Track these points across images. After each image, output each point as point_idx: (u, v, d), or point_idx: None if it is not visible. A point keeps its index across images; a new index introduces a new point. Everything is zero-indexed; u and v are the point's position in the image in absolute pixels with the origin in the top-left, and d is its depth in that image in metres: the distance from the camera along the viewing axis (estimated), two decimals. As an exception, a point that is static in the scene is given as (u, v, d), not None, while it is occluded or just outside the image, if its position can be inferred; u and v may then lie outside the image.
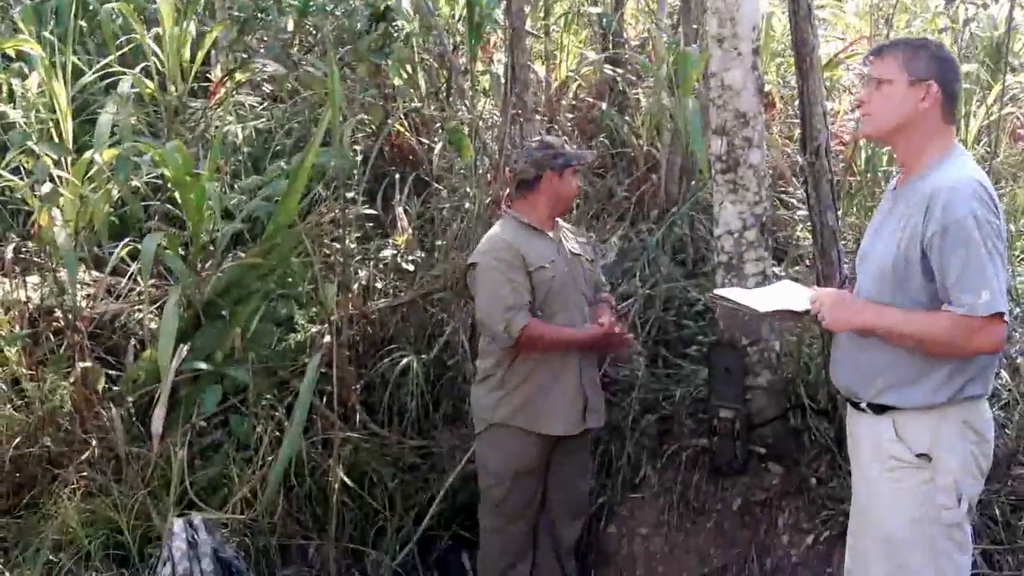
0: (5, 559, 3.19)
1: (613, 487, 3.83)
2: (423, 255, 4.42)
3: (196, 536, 3.10)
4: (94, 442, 3.49)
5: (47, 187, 3.67)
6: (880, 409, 2.44)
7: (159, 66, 4.59)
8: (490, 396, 3.43)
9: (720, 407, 3.65)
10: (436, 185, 4.79)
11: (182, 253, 3.95)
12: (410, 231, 4.47)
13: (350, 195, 4.35)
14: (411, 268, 4.33)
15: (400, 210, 4.48)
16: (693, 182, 4.82)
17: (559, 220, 3.59)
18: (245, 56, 4.59)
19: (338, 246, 4.14)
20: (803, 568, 3.46)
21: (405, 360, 3.93)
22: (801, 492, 3.58)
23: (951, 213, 2.28)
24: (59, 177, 3.78)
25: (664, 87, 4.88)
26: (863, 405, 2.48)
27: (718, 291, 2.59)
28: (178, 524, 3.10)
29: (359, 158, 4.58)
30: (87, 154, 3.86)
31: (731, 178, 3.62)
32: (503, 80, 4.48)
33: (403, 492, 3.82)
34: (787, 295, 2.60)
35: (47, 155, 3.73)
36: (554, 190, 3.46)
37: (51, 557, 3.16)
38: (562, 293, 3.40)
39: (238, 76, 4.58)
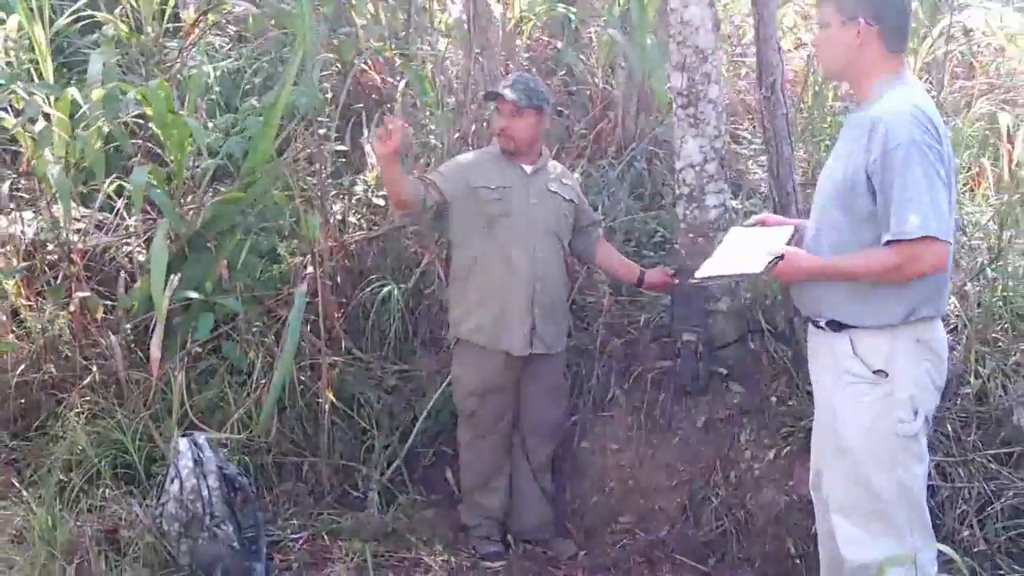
0: (19, 478, 3.44)
1: (585, 406, 4.11)
2: None
3: (201, 454, 3.35)
4: (94, 368, 3.71)
5: (40, 125, 3.82)
6: (837, 326, 2.59)
7: (133, 9, 4.73)
8: (455, 310, 3.81)
9: (683, 331, 3.91)
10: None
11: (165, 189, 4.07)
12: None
13: (322, 131, 4.49)
14: (382, 203, 4.49)
15: (368, 147, 4.63)
16: (651, 118, 5.02)
17: (548, 158, 3.91)
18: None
19: (314, 181, 4.26)
20: (765, 481, 3.73)
21: (385, 289, 4.14)
22: (762, 410, 3.86)
23: (892, 139, 2.43)
24: (47, 115, 3.88)
25: (617, 25, 5.04)
26: (822, 323, 2.63)
27: (698, 275, 2.71)
28: (183, 443, 3.34)
29: (328, 95, 4.68)
30: (68, 91, 4.03)
31: (691, 112, 3.84)
32: (464, 18, 4.62)
33: (388, 412, 4.10)
34: (748, 248, 2.72)
35: (36, 94, 3.80)
36: (502, 126, 3.79)
37: (62, 477, 3.40)
38: (509, 219, 3.69)
39: (210, 17, 4.67)
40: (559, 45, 5.54)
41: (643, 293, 4.26)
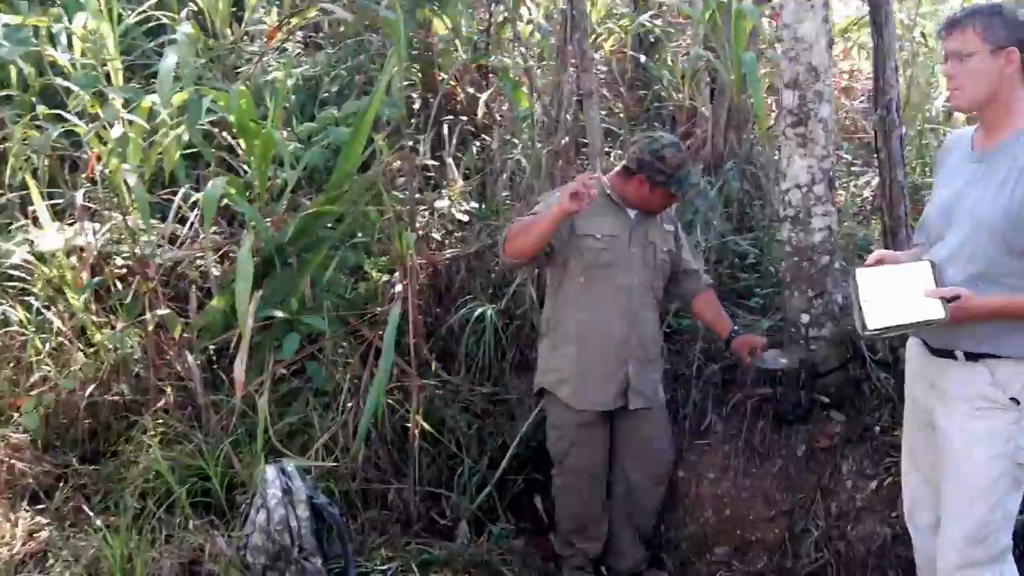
0: (89, 504, 3.02)
1: (680, 433, 3.71)
2: (477, 206, 4.24)
3: (290, 483, 2.93)
4: (169, 390, 3.26)
5: (117, 131, 3.39)
6: (975, 357, 2.46)
7: (201, 11, 4.33)
8: (543, 359, 3.42)
9: (783, 358, 3.56)
10: (484, 136, 4.59)
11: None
12: (461, 182, 4.28)
13: (410, 143, 4.12)
14: (465, 218, 4.12)
15: (451, 160, 4.26)
16: (743, 135, 4.68)
17: None
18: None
19: (401, 196, 3.94)
20: (867, 512, 3.44)
21: (477, 311, 3.76)
22: (864, 440, 3.55)
23: None
24: (125, 121, 3.55)
25: (700, 40, 4.69)
26: (957, 354, 2.48)
27: (872, 326, 2.52)
28: (271, 471, 2.92)
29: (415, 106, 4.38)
30: (148, 98, 3.58)
31: (801, 132, 3.51)
32: (560, 28, 4.29)
33: (477, 438, 3.69)
34: (899, 290, 2.54)
35: (114, 98, 3.48)
36: (638, 194, 3.34)
37: (136, 504, 3.00)
38: (611, 271, 3.31)
39: (294, 20, 4.35)
40: (642, 59, 5.17)
41: (741, 316, 3.88)
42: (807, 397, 3.60)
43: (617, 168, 3.36)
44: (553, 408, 3.39)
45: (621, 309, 3.30)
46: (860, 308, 2.51)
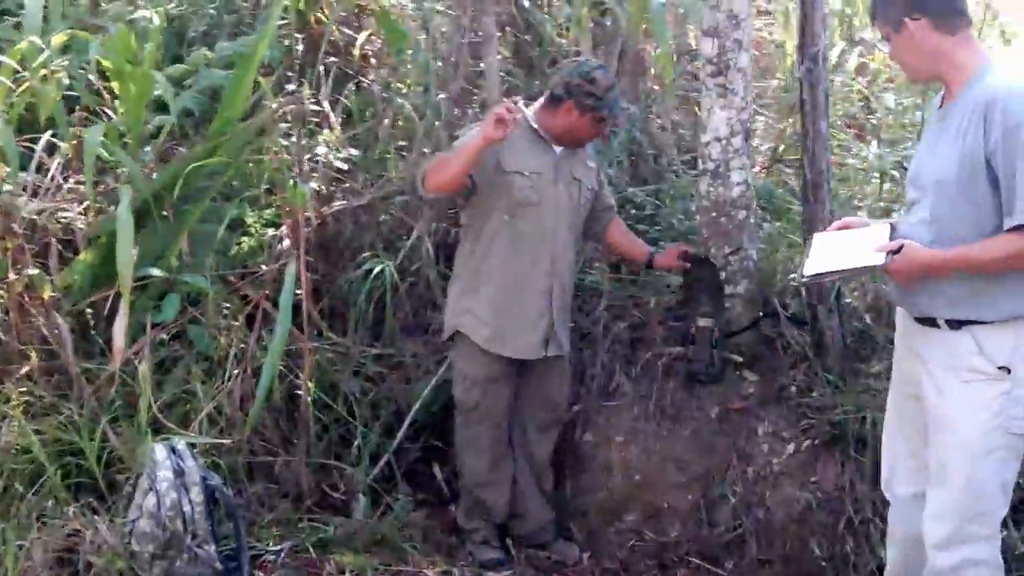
0: None
1: (587, 394, 3.79)
2: (357, 153, 4.13)
3: (183, 464, 2.90)
4: (33, 355, 3.14)
5: None
6: (957, 324, 2.47)
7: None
8: (458, 302, 3.41)
9: (698, 315, 3.60)
10: (362, 78, 4.50)
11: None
12: (339, 128, 4.13)
13: (291, 88, 3.95)
14: (345, 167, 4.02)
15: (326, 104, 4.13)
16: (638, 84, 4.61)
17: None
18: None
19: (287, 143, 3.73)
20: (786, 477, 3.49)
21: (378, 267, 3.72)
22: (780, 401, 3.61)
23: (1011, 118, 2.32)
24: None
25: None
26: (940, 322, 2.50)
27: (806, 272, 2.57)
28: (160, 450, 2.90)
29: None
30: (26, 40, 3.44)
31: (721, 82, 3.55)
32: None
33: (370, 404, 3.68)
34: (850, 245, 2.59)
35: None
36: (569, 123, 3.35)
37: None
38: (537, 209, 3.32)
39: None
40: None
41: (648, 271, 3.90)
42: (720, 356, 3.63)
43: (542, 100, 3.40)
44: (466, 353, 3.41)
45: (546, 251, 3.35)
46: (831, 272, 2.61)
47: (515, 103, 3.16)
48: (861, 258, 2.49)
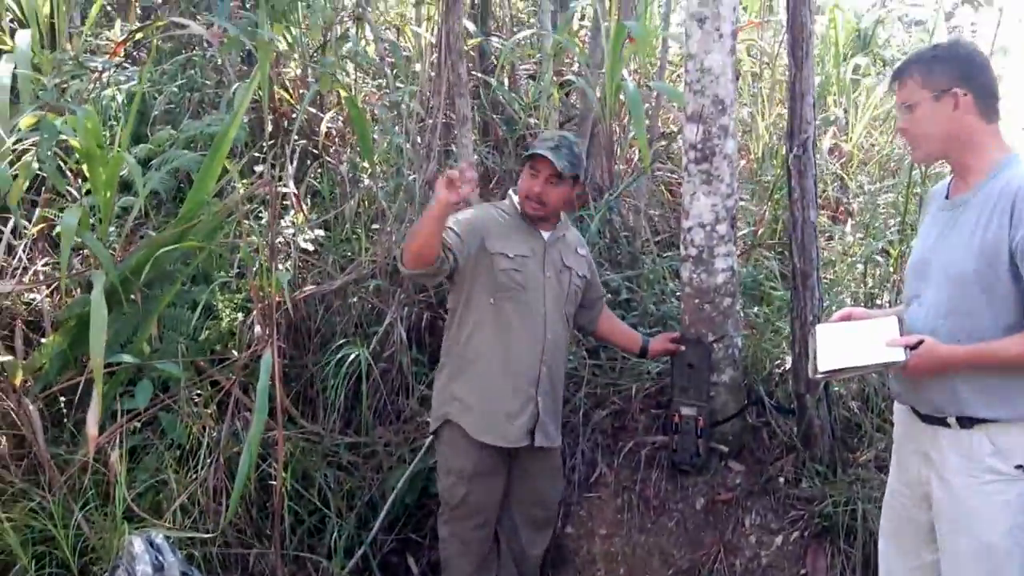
0: None
1: (569, 486, 4.27)
2: (323, 233, 4.77)
3: (162, 558, 3.31)
4: (3, 440, 3.66)
5: None
6: (969, 422, 2.72)
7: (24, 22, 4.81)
8: (444, 390, 3.85)
9: (682, 404, 4.09)
10: (328, 159, 5.18)
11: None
12: (305, 209, 4.70)
13: (260, 168, 4.63)
14: (311, 247, 4.63)
15: (292, 184, 4.78)
16: (612, 166, 5.28)
17: (567, 225, 4.02)
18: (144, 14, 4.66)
19: (253, 225, 4.30)
20: (774, 570, 3.89)
21: (345, 353, 4.27)
22: (767, 492, 4.06)
23: None
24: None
25: (550, 63, 5.43)
26: (950, 420, 2.75)
27: (822, 368, 2.83)
28: (138, 543, 3.30)
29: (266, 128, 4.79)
30: None
31: (705, 168, 4.04)
32: (435, 50, 4.73)
33: (344, 494, 4.18)
34: (860, 339, 2.84)
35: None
36: (521, 185, 3.90)
37: None
38: (523, 294, 3.77)
39: (139, 35, 4.62)
40: (493, 82, 5.66)
41: (626, 358, 4.49)
42: (705, 446, 4.09)
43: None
44: (451, 445, 3.81)
45: (533, 337, 3.79)
46: (814, 356, 2.85)
47: (467, 163, 3.53)
48: (878, 354, 2.72)
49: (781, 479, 4.07)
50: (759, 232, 5.33)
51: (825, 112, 6.26)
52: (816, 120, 4.00)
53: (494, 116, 5.65)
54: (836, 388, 4.22)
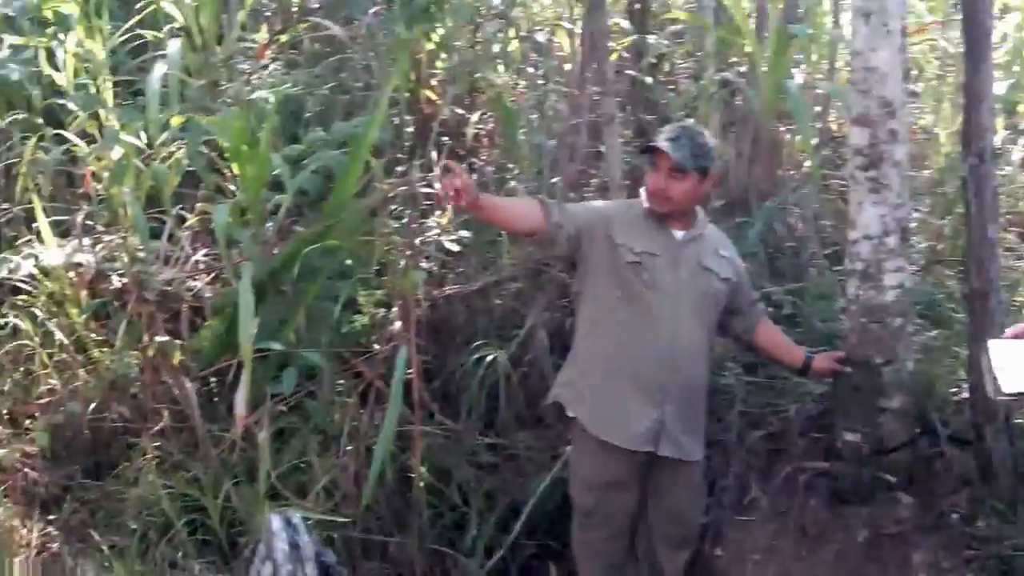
0: (94, 521, 4.26)
1: (718, 506, 4.59)
2: (467, 235, 5.40)
3: (297, 538, 3.94)
4: (166, 413, 4.50)
5: (115, 152, 4.87)
6: None
7: (185, 27, 5.83)
8: (564, 370, 4.30)
9: (846, 429, 4.31)
10: (474, 159, 5.93)
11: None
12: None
13: (401, 169, 5.43)
14: (456, 248, 5.26)
15: (439, 185, 5.26)
16: (775, 171, 5.83)
17: (705, 223, 4.29)
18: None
19: (398, 225, 5.12)
20: None
21: (483, 355, 4.92)
22: (939, 528, 4.18)
23: None
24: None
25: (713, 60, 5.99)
26: None
27: (1006, 389, 2.93)
28: (276, 521, 3.95)
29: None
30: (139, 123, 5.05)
31: (873, 175, 4.22)
32: (580, 48, 5.22)
33: (484, 494, 4.81)
34: None
35: (112, 120, 4.94)
36: (646, 182, 4.24)
37: (135, 525, 4.17)
38: (653, 295, 4.04)
39: (284, 37, 5.34)
40: (647, 80, 6.30)
41: (786, 377, 4.80)
42: (870, 475, 4.26)
43: None
44: (579, 449, 4.22)
45: (660, 341, 4.05)
46: (994, 376, 2.97)
47: (449, 164, 3.97)
48: None
49: (955, 515, 4.18)
50: (938, 247, 5.59)
51: (1016, 120, 6.44)
52: (1006, 130, 4.15)
53: (649, 117, 6.08)
54: (1020, 419, 4.25)
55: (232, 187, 5.17)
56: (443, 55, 6.17)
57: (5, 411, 4.75)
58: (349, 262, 5.03)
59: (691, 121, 4.51)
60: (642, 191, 4.23)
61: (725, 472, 4.63)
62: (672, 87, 6.44)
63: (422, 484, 4.53)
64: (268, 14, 6.33)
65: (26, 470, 4.48)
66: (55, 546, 4.16)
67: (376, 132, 5.05)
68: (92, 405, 4.52)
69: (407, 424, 4.58)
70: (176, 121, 4.99)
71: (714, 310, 4.20)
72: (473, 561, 4.57)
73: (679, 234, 4.15)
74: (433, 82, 6.08)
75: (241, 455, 4.41)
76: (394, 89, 5.69)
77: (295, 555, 3.86)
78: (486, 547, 4.64)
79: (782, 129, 5.99)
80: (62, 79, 5.33)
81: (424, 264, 5.04)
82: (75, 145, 5.13)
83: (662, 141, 4.07)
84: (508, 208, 4.18)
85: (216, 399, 4.63)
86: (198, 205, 5.00)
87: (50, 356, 4.70)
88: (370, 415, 4.61)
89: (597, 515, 4.18)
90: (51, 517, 4.32)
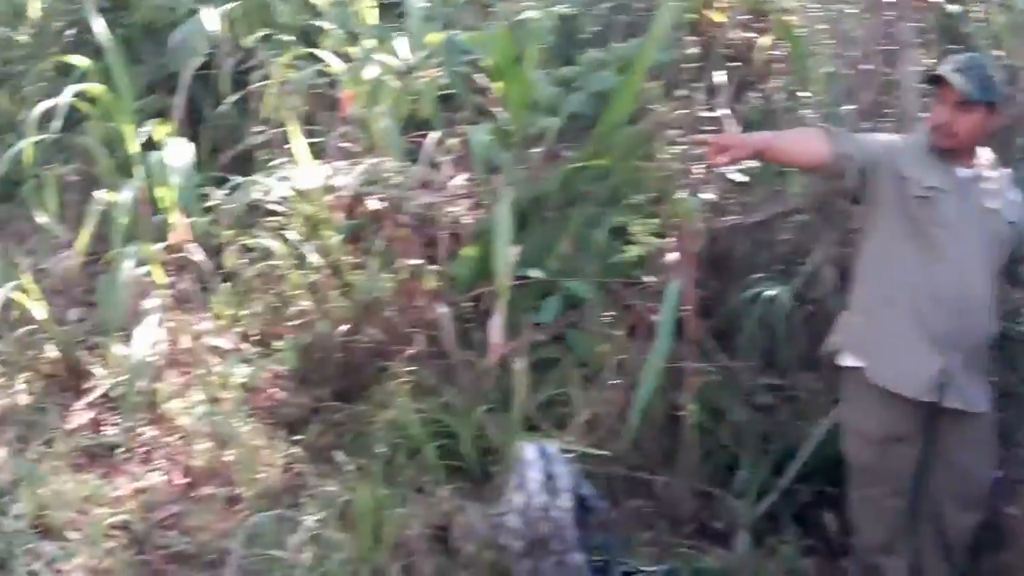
0: (339, 444, 4.67)
1: (1011, 461, 4.59)
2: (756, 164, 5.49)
3: (552, 468, 4.19)
4: (419, 338, 4.89)
5: (370, 72, 5.27)
6: None
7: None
8: (847, 317, 4.37)
9: None
10: (761, 86, 6.03)
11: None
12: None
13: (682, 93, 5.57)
14: (746, 179, 5.34)
15: (728, 112, 5.52)
16: None
17: (988, 160, 4.27)
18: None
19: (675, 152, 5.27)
20: None
21: (764, 291, 5.02)
22: None
23: None
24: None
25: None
26: None
27: None
28: (530, 451, 4.24)
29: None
30: (400, 39, 5.45)
31: None
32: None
33: (759, 436, 4.94)
34: None
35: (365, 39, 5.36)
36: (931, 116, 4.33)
37: (380, 449, 4.53)
38: (937, 232, 4.08)
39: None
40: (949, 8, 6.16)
41: None
42: None
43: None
44: (856, 399, 4.30)
45: (951, 286, 4.10)
46: None
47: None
48: None
49: None
50: None
51: None
52: None
53: (952, 45, 6.01)
54: None
55: (495, 109, 5.46)
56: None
57: (255, 332, 5.29)
58: (619, 189, 5.26)
59: (978, 54, 4.45)
60: (925, 124, 4.31)
61: (1019, 425, 4.61)
62: (978, 16, 6.34)
63: (691, 422, 4.74)
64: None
65: (274, 390, 5.00)
66: (299, 466, 4.62)
67: (655, 54, 5.24)
68: (344, 327, 4.98)
69: (676, 361, 4.79)
70: (434, 39, 5.33)
71: (1001, 253, 4.23)
72: (743, 503, 4.69)
73: (964, 172, 4.20)
74: (719, 3, 6.21)
75: (497, 383, 4.72)
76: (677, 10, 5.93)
77: (549, 486, 4.09)
78: (758, 491, 4.76)
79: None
80: (320, -1, 6.01)
81: (704, 194, 5.16)
82: (328, 65, 5.56)
83: (948, 71, 4.12)
84: (790, 143, 4.34)
85: (473, 326, 4.95)
86: (459, 128, 5.35)
87: (303, 278, 5.16)
88: (638, 349, 4.78)
89: (877, 471, 4.24)
90: (296, 438, 4.81)
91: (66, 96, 5.59)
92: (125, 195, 5.32)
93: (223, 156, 6.13)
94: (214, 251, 5.50)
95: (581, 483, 4.26)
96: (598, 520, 4.26)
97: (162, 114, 5.99)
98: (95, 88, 5.66)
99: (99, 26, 5.76)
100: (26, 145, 5.57)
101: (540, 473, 4.11)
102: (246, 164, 5.91)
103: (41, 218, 5.82)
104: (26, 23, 7.73)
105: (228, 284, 5.41)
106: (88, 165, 6.13)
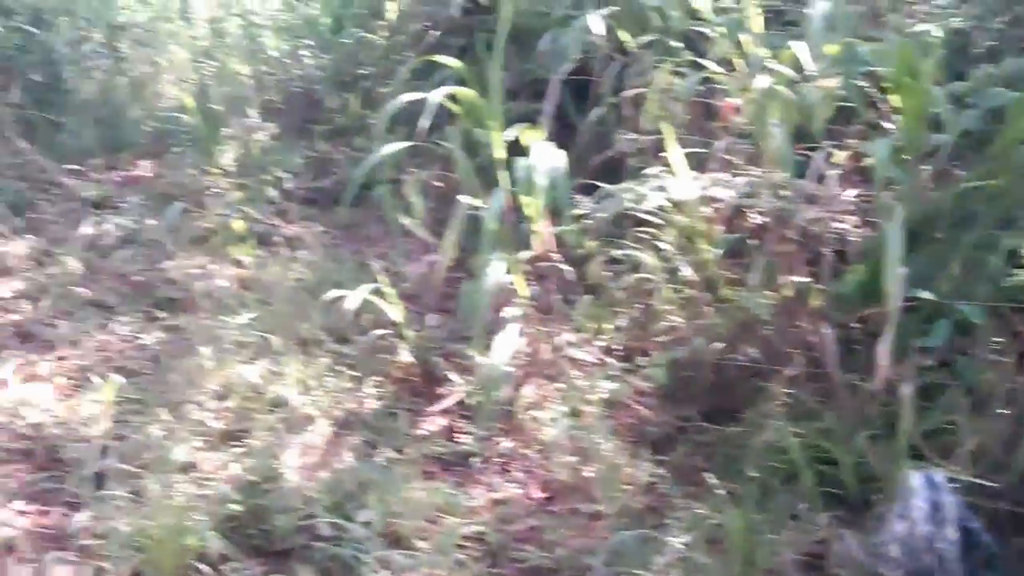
0: (708, 463, 4.99)
1: None
2: None
3: (939, 498, 4.43)
4: (801, 359, 5.18)
5: (761, 81, 5.61)
6: None
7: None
8: None
9: None
10: None
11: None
12: None
13: None
14: None
15: None
16: None
17: None
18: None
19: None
20: None
21: None
22: None
23: None
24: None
25: None
26: None
27: None
28: (917, 479, 4.48)
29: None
30: (795, 47, 5.73)
31: None
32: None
33: None
34: None
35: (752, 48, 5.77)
36: None
37: (757, 474, 4.81)
38: None
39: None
40: None
41: None
42: None
43: None
44: None
45: None
46: None
47: None
48: None
49: None
50: None
51: None
52: None
53: None
54: None
55: (887, 124, 5.72)
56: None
57: (619, 346, 5.71)
58: (1014, 210, 5.39)
59: None
60: None
61: None
62: None
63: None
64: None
65: (638, 407, 5.38)
66: (663, 487, 4.93)
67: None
68: (718, 345, 5.32)
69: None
70: (832, 49, 5.65)
71: None
72: None
73: None
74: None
75: (880, 408, 4.94)
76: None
77: (935, 516, 4.32)
78: None
79: None
80: (702, 2, 6.21)
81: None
82: (714, 73, 5.98)
83: None
84: None
85: (856, 348, 5.18)
86: (849, 141, 5.61)
87: (675, 292, 5.54)
88: (1030, 378, 5.16)
89: None
90: (661, 457, 5.12)
91: (436, 96, 6.06)
92: (494, 201, 5.80)
93: (590, 164, 6.58)
94: (578, 261, 5.93)
95: (969, 516, 4.44)
96: (984, 556, 4.40)
97: (524, 119, 6.36)
98: (464, 91, 6.14)
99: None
100: (389, 151, 6.16)
101: (926, 503, 4.34)
102: (612, 173, 6.36)
103: (405, 222, 6.40)
104: (382, 26, 8.48)
105: (590, 296, 5.84)
106: (445, 170, 6.76)
